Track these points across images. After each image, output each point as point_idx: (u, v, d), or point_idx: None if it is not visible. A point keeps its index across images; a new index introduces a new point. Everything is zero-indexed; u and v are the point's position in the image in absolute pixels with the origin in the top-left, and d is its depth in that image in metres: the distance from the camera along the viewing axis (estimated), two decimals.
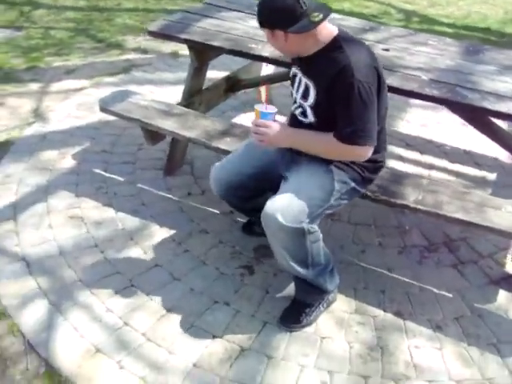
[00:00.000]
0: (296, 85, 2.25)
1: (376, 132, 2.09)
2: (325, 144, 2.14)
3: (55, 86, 4.36)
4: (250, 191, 2.46)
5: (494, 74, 2.79)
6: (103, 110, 3.01)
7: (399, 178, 2.60)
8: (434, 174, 3.56)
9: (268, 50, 2.89)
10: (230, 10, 3.43)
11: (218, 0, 3.62)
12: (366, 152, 2.11)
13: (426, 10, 7.09)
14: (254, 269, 2.68)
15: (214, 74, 4.00)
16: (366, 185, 2.38)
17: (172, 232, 2.88)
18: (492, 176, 3.59)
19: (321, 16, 2.00)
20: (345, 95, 2.01)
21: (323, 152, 2.18)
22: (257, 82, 3.75)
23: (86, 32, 5.51)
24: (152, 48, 5.25)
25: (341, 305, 2.51)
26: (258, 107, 2.18)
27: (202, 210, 3.07)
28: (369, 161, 2.27)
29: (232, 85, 3.56)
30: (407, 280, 2.69)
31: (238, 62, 4.43)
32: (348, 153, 2.12)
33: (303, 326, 2.37)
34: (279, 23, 2.02)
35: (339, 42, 2.06)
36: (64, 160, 3.44)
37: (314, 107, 2.16)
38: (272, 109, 2.18)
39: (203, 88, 3.36)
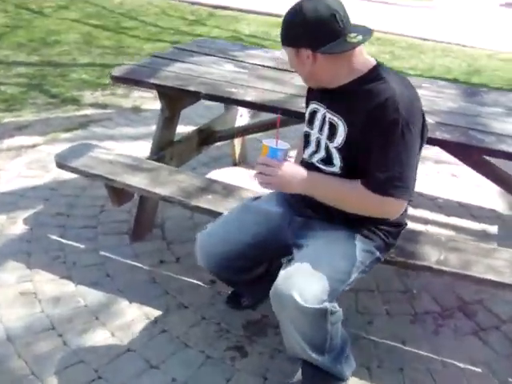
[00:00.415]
0: (318, 124, 1.86)
1: (414, 184, 1.72)
2: (348, 192, 1.76)
3: (5, 143, 3.90)
4: (249, 262, 2.05)
5: (503, 116, 2.51)
6: (60, 165, 2.58)
7: (413, 235, 2.23)
8: (431, 228, 3.22)
9: (252, 94, 2.55)
10: (202, 54, 3.09)
11: (188, 44, 3.30)
12: (399, 207, 1.73)
13: (390, 62, 6.96)
14: (247, 350, 2.23)
15: (180, 128, 3.62)
16: (387, 253, 2.00)
17: (144, 308, 2.42)
18: (493, 229, 3.28)
19: (359, 38, 1.65)
20: (384, 132, 1.65)
21: (345, 202, 1.79)
22: (232, 134, 3.39)
23: (40, 87, 5.08)
24: (111, 103, 4.87)
25: None
26: (267, 142, 1.79)
27: (177, 280, 2.62)
28: (393, 224, 1.92)
29: (205, 137, 3.19)
30: (425, 354, 2.30)
31: (204, 116, 4.12)
32: (377, 206, 1.74)
33: None
34: (307, 40, 1.67)
35: (380, 73, 1.71)
36: (14, 225, 2.96)
37: (341, 149, 1.78)
38: (283, 145, 1.79)
39: (174, 140, 2.97)
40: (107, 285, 2.55)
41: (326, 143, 1.82)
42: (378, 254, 1.92)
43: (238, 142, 3.73)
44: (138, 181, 2.43)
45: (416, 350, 2.31)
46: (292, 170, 1.77)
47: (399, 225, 1.97)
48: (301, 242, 1.89)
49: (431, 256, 2.11)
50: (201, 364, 2.14)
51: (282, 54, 3.11)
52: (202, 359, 2.16)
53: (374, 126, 1.67)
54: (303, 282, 1.69)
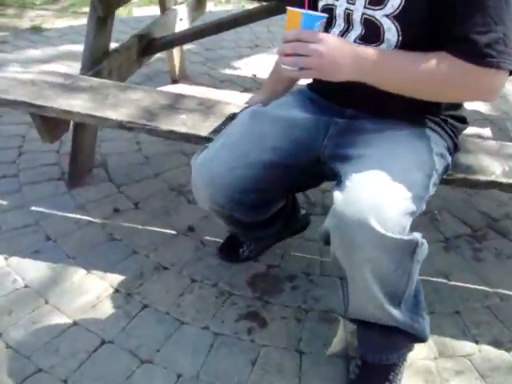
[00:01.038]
0: None
1: None
2: (430, 67, 1.16)
3: None
4: (270, 193, 1.45)
5: None
6: None
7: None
8: None
9: None
10: None
11: None
12: (502, 82, 1.18)
13: None
14: (264, 316, 1.67)
15: None
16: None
17: (109, 277, 1.77)
18: (486, 131, 2.88)
19: None
20: None
21: (424, 83, 1.19)
22: (175, 40, 2.68)
23: None
24: (3, 24, 3.95)
25: (415, 349, 1.57)
26: (297, 9, 1.15)
27: (144, 232, 1.98)
28: (458, 117, 1.42)
29: (146, 45, 2.47)
30: (476, 287, 1.85)
31: (123, 31, 3.38)
32: (474, 83, 1.17)
33: None
34: None
35: None
36: None
37: (398, 16, 1.18)
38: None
39: (110, 51, 2.24)
40: (50, 251, 1.86)
41: (362, 14, 1.22)
42: (449, 158, 1.40)
43: (176, 54, 3.04)
44: (80, 104, 1.72)
45: (465, 285, 1.85)
46: (341, 45, 1.16)
47: (463, 120, 1.44)
48: (347, 152, 1.30)
49: (494, 168, 1.61)
50: (210, 346, 1.55)
51: None
52: (209, 339, 1.57)
53: None
54: (380, 203, 1.11)
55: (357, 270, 1.18)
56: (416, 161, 1.25)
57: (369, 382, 1.41)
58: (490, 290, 1.83)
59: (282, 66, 1.15)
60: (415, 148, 1.28)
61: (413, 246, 1.15)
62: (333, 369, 1.51)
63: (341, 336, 1.60)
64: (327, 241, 1.22)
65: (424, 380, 1.51)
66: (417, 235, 1.16)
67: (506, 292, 1.83)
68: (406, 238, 1.13)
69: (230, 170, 1.34)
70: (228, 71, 3.41)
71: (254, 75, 3.35)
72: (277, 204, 1.56)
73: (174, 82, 3.15)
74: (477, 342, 1.63)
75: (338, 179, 1.27)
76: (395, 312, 1.25)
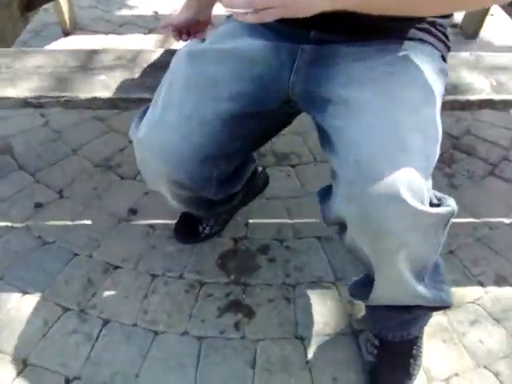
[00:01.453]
0: None
1: None
2: None
3: None
4: (240, 154, 1.16)
5: None
6: None
7: None
8: None
9: None
10: None
11: None
12: None
13: None
14: (248, 304, 1.43)
15: None
16: None
17: (55, 293, 1.45)
18: None
19: None
20: None
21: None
22: None
23: None
24: None
25: None
26: None
27: (79, 227, 1.66)
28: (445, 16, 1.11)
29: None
30: (462, 220, 1.69)
31: None
32: None
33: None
34: None
35: None
36: None
37: None
38: None
39: None
40: None
41: None
42: (446, 67, 1.13)
43: (63, 1, 2.60)
44: None
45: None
46: None
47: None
48: (325, 92, 1.01)
49: (481, 84, 1.40)
50: (197, 356, 1.30)
51: None
52: (193, 347, 1.31)
53: None
54: (408, 171, 0.86)
55: (386, 257, 0.95)
56: (420, 93, 0.98)
57: (392, 363, 1.22)
58: (477, 220, 1.69)
59: (230, 10, 0.84)
60: (412, 75, 0.99)
61: (448, 218, 0.93)
62: (343, 350, 1.32)
63: (340, 308, 1.40)
64: (335, 224, 0.98)
65: (441, 340, 1.35)
66: (452, 203, 0.94)
67: (492, 219, 1.69)
68: (443, 211, 0.91)
69: (186, 137, 1.02)
70: (125, 12, 2.99)
71: (156, 12, 2.96)
72: (250, 167, 1.29)
73: (67, 34, 2.72)
74: (482, 284, 1.49)
75: (322, 136, 1.00)
76: (422, 289, 1.05)
